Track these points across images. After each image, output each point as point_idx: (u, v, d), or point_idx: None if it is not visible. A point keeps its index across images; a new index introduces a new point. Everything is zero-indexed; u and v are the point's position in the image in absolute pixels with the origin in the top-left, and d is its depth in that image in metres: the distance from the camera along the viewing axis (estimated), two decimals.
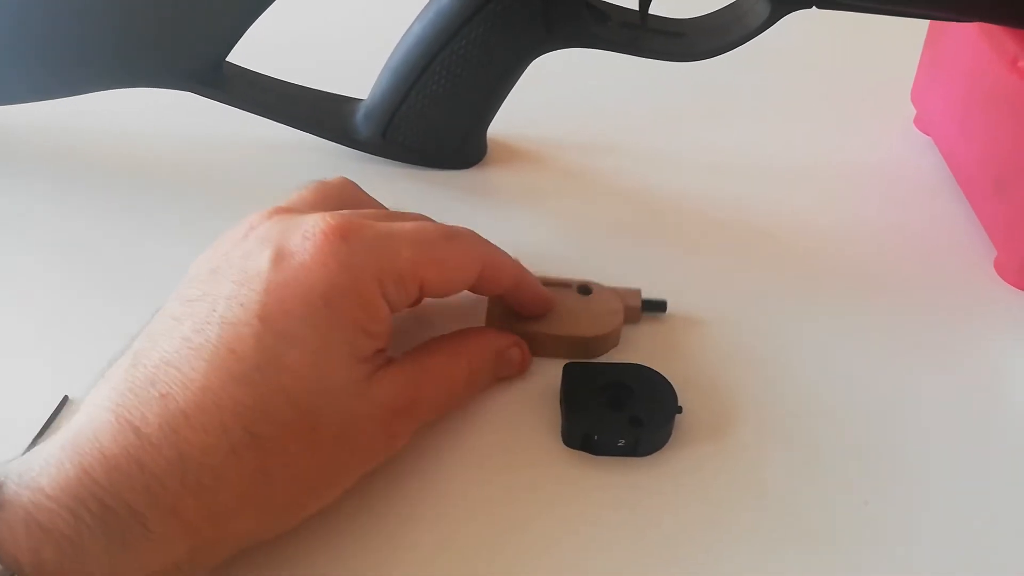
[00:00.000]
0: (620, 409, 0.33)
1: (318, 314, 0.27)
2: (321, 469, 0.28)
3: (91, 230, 0.41)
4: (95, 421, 0.25)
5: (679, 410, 0.33)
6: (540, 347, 0.35)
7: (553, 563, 0.30)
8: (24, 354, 0.36)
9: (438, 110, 0.43)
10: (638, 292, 0.37)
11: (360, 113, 0.44)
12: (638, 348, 0.36)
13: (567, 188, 0.45)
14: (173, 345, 0.26)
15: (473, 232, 0.33)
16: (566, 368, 0.34)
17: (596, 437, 0.32)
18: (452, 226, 0.32)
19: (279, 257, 0.28)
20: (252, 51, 0.43)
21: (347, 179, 0.34)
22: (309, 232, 0.28)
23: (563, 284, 0.37)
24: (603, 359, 0.35)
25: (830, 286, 0.41)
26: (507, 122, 0.45)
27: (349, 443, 0.28)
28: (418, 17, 0.42)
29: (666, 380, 0.34)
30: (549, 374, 0.35)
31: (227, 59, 0.43)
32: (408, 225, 0.30)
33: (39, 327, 0.37)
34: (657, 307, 0.37)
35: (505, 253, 0.34)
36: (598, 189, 0.46)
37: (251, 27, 0.42)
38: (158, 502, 0.24)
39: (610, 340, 0.36)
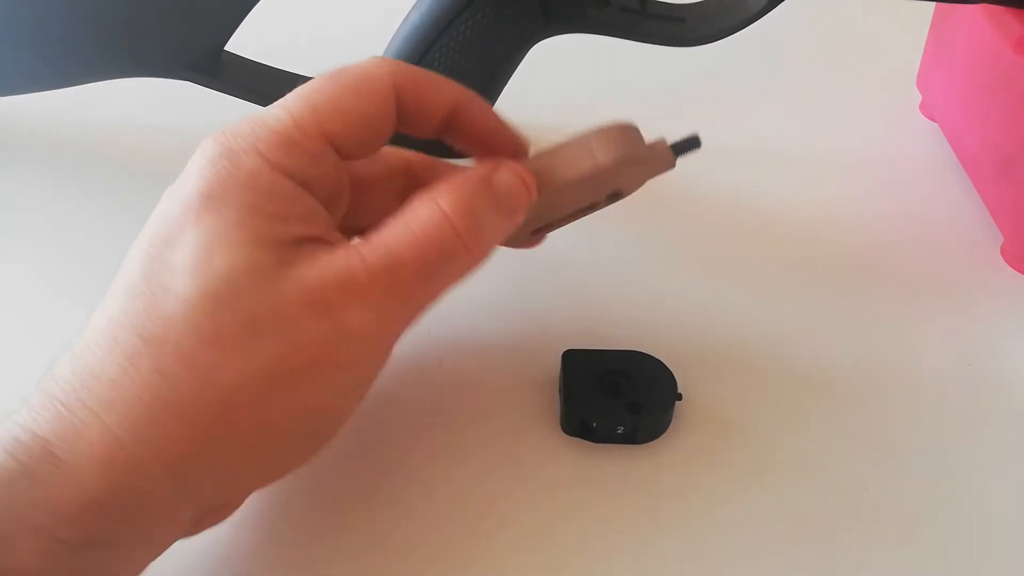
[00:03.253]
0: (619, 396, 0.33)
1: (199, 209, 0.24)
2: (234, 364, 0.24)
3: (86, 221, 0.41)
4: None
5: (679, 397, 0.33)
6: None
7: (551, 551, 0.29)
8: (17, 346, 0.36)
9: None
10: (663, 142, 0.31)
11: None
12: (638, 334, 0.36)
13: None
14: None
15: (376, 58, 0.28)
16: (565, 355, 0.34)
17: (595, 424, 0.32)
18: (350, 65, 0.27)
19: (172, 187, 0.26)
20: (250, 39, 0.43)
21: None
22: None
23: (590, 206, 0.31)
24: (603, 346, 0.34)
25: (833, 272, 0.40)
26: (506, 110, 0.45)
27: (266, 331, 0.24)
28: (415, 5, 0.42)
29: (666, 367, 0.34)
30: (548, 361, 0.35)
31: (225, 48, 0.43)
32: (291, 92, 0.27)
33: (31, 318, 0.37)
34: (690, 146, 0.31)
35: (433, 73, 0.28)
36: None
37: (249, 15, 0.41)
38: (64, 428, 0.23)
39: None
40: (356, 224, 0.29)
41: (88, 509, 0.22)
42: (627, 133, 0.30)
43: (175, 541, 0.25)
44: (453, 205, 0.26)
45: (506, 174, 0.28)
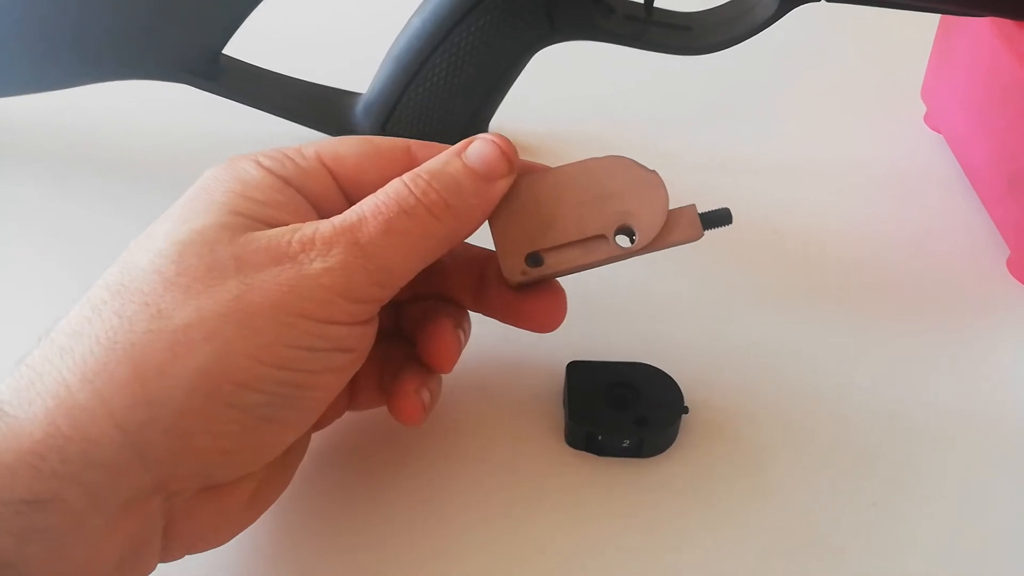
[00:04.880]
0: (625, 409, 0.32)
1: (191, 196, 0.26)
2: (191, 303, 0.23)
3: (86, 223, 0.41)
4: None
5: (685, 410, 0.32)
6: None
7: (555, 564, 0.29)
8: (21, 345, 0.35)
9: (438, 104, 0.42)
10: (692, 208, 0.30)
11: (359, 107, 0.43)
12: (644, 346, 0.35)
13: None
14: None
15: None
16: (570, 366, 0.33)
17: (600, 437, 0.32)
18: None
19: None
20: (249, 44, 0.43)
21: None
22: None
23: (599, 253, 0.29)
24: (608, 358, 0.34)
25: (839, 285, 0.40)
26: (509, 116, 0.45)
27: (227, 274, 0.24)
28: (418, 9, 0.41)
29: (672, 380, 0.33)
30: (552, 372, 0.34)
31: (223, 52, 0.42)
32: None
33: (33, 319, 0.36)
34: (720, 221, 0.30)
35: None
36: None
37: (248, 19, 0.41)
38: (19, 384, 0.23)
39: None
40: None
41: (27, 461, 0.21)
42: (618, 157, 0.30)
43: (144, 531, 0.23)
44: (412, 174, 0.27)
45: (479, 142, 0.28)
